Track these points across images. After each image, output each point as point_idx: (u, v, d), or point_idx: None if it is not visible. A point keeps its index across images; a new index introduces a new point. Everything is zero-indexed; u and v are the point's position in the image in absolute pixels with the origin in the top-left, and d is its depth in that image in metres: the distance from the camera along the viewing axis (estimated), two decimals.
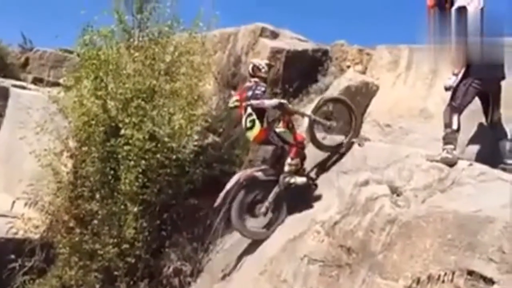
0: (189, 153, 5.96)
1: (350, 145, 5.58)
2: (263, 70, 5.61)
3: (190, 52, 6.35)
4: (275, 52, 7.59)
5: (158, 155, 5.75)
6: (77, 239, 5.80)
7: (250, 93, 5.47)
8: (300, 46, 7.90)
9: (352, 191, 4.86)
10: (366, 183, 4.84)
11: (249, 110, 5.41)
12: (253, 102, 5.35)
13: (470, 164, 4.62)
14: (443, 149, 4.69)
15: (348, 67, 7.78)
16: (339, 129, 5.75)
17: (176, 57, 6.27)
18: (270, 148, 5.97)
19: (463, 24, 5.03)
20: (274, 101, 5.38)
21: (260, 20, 8.19)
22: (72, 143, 6.31)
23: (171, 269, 5.81)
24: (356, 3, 20.71)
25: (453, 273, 3.67)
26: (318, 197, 5.29)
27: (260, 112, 5.37)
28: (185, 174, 5.97)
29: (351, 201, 4.74)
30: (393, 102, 6.73)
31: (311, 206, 5.20)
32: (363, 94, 7.08)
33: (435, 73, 6.12)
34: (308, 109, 7.16)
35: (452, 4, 5.77)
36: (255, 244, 5.31)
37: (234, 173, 6.25)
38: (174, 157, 5.82)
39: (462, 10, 5.06)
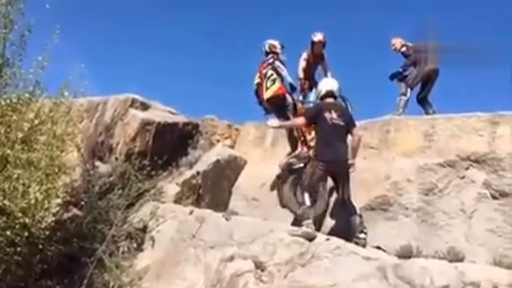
0: (44, 229, 5.44)
1: None
2: (278, 47, 6.70)
3: (53, 120, 6.00)
4: (145, 124, 7.50)
5: (8, 232, 5.17)
6: None
7: (271, 60, 6.48)
8: (170, 118, 7.93)
9: (218, 267, 4.86)
10: (231, 258, 4.89)
11: (270, 71, 6.36)
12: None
13: (328, 239, 4.93)
14: (302, 224, 4.98)
15: (218, 141, 8.01)
16: None
17: (36, 125, 5.86)
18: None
19: None
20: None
21: (130, 90, 8.12)
22: None
23: None
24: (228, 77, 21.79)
25: None
26: (184, 274, 5.15)
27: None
28: (38, 252, 5.43)
29: (217, 277, 4.72)
30: (260, 176, 6.99)
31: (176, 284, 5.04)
32: (232, 168, 7.30)
33: None
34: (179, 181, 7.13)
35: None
36: None
37: (95, 250, 5.86)
38: (26, 233, 5.28)
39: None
